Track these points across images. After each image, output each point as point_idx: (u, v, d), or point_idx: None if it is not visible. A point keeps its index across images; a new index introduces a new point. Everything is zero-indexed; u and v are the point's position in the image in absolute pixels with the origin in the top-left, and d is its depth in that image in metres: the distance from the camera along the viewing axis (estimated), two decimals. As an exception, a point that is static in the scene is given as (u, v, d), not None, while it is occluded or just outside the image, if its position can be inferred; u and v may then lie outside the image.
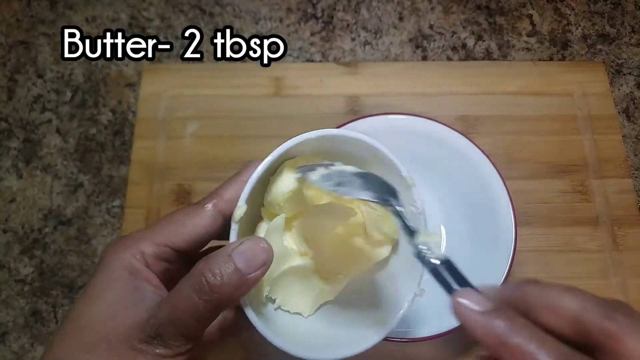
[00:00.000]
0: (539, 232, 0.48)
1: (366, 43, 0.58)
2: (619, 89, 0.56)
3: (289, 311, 0.33)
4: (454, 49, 0.58)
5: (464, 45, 0.58)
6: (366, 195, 0.28)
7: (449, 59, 0.58)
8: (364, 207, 0.32)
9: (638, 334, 0.20)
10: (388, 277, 0.33)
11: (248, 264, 0.26)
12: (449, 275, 0.25)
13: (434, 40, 0.59)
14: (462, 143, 0.46)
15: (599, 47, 0.58)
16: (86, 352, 0.26)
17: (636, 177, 0.52)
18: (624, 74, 0.57)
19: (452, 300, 0.23)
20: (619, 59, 0.58)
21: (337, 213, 0.32)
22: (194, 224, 0.30)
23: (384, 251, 0.32)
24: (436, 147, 0.47)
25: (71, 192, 0.52)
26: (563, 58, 0.58)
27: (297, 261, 0.33)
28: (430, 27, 0.59)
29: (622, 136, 0.53)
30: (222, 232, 0.31)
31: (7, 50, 0.57)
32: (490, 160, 0.45)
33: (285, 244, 0.33)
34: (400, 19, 0.59)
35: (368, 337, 0.30)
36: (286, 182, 0.31)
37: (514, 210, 0.43)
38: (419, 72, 0.56)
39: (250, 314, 0.28)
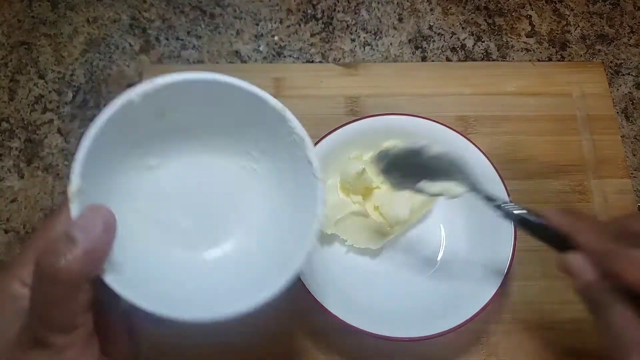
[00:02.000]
0: (538, 232, 0.48)
1: (366, 44, 0.58)
2: (618, 90, 0.57)
3: (359, 247, 0.45)
4: (453, 49, 0.58)
5: (463, 46, 0.59)
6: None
7: (448, 59, 0.58)
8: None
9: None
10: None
11: (88, 236, 0.25)
12: (532, 217, 0.35)
13: (434, 41, 0.59)
14: (461, 143, 0.46)
15: (597, 47, 0.59)
16: None
17: (635, 177, 0.52)
18: (623, 75, 0.57)
19: (560, 258, 0.34)
20: (618, 60, 0.58)
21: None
22: None
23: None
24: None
25: (72, 192, 0.52)
26: (562, 58, 0.58)
27: (354, 207, 0.45)
28: (430, 28, 0.59)
29: (621, 136, 0.54)
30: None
31: (9, 51, 0.57)
32: (489, 160, 0.45)
33: (341, 197, 0.46)
34: (400, 20, 0.60)
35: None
36: (355, 166, 0.44)
37: (513, 210, 0.43)
38: (419, 73, 0.56)
39: (109, 278, 0.26)
